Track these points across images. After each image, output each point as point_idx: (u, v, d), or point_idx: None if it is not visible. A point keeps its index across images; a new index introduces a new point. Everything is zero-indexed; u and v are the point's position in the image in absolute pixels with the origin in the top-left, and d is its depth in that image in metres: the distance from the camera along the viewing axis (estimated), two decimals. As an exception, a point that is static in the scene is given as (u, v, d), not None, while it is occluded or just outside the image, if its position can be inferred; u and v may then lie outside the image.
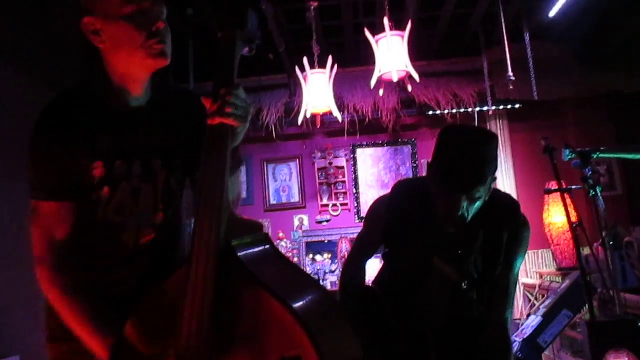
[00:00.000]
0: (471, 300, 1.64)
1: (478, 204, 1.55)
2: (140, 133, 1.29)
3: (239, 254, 1.02)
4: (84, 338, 1.16)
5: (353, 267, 1.90)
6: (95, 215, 1.26)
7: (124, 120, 1.27)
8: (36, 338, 1.31)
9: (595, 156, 2.08)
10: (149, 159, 1.30)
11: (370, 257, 1.92)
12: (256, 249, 1.09)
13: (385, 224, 1.73)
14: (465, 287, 1.62)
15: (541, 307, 3.62)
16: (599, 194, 2.07)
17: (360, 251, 1.90)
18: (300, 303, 0.98)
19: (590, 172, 2.08)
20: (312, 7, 4.02)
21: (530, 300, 4.55)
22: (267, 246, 1.12)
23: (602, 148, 2.13)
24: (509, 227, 1.66)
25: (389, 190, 1.82)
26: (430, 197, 1.62)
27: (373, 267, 1.97)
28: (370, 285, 1.86)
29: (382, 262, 1.88)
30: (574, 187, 2.90)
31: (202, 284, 1.00)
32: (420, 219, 1.65)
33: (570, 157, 2.13)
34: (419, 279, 1.68)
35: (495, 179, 1.61)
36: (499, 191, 1.74)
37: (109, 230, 1.28)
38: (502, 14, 4.02)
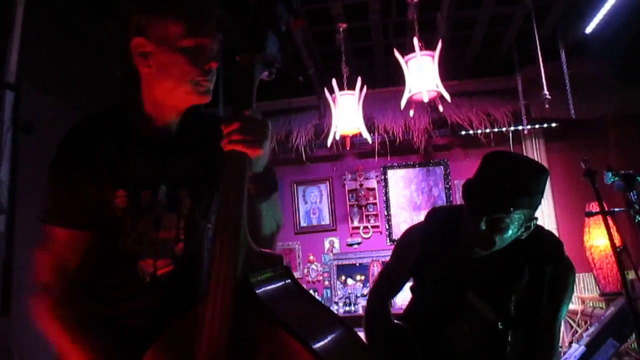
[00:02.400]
0: (506, 342, 1.53)
1: (508, 235, 1.46)
2: (168, 161, 1.25)
3: (257, 291, 0.97)
4: None
5: (378, 300, 1.81)
6: (115, 246, 1.21)
7: (152, 148, 1.23)
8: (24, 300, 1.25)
9: (640, 179, 1.96)
10: (175, 187, 1.25)
11: (397, 292, 1.83)
12: (276, 285, 1.03)
13: (418, 255, 1.65)
14: (501, 327, 1.51)
15: (584, 335, 3.45)
16: (646, 219, 1.94)
17: (386, 284, 1.81)
18: (323, 344, 0.92)
19: (635, 197, 1.96)
20: (341, 29, 4.01)
21: (572, 327, 4.34)
22: (288, 281, 1.06)
23: (648, 170, 2.01)
24: (552, 267, 1.55)
25: (420, 212, 1.76)
26: None
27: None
28: (398, 321, 1.76)
29: (411, 297, 1.79)
30: (616, 209, 2.75)
31: (218, 321, 0.95)
32: (456, 249, 1.56)
33: (612, 180, 2.01)
34: (451, 315, 1.58)
35: (535, 219, 1.52)
36: (542, 228, 1.65)
37: (127, 259, 1.23)
38: (536, 32, 3.92)
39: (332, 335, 0.98)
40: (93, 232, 1.18)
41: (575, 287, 4.62)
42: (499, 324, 1.50)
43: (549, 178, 1.52)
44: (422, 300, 1.71)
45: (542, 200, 4.27)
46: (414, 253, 1.67)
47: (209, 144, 1.21)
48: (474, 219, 1.47)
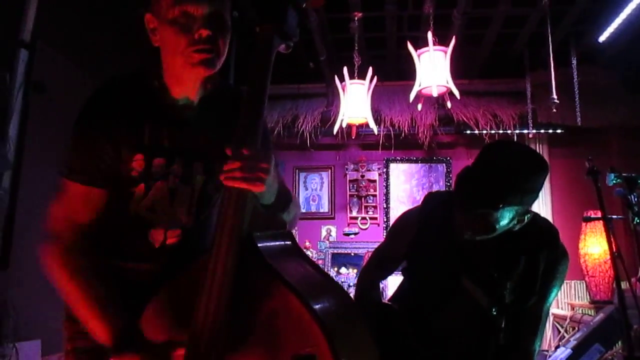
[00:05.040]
0: (499, 328, 1.54)
1: (498, 227, 1.45)
2: (185, 132, 1.26)
3: (259, 245, 1.00)
4: (87, 319, 1.14)
5: (368, 282, 1.80)
6: (127, 209, 1.24)
7: (172, 116, 1.24)
8: (58, 323, 1.30)
9: (642, 182, 1.98)
10: (191, 160, 1.27)
11: (387, 275, 1.82)
12: (278, 244, 1.06)
13: (412, 238, 1.65)
14: (494, 313, 1.52)
15: (572, 339, 3.48)
16: (645, 223, 1.96)
17: (378, 266, 1.81)
18: (319, 301, 0.95)
19: (636, 199, 1.97)
20: (356, 18, 4.02)
21: (559, 332, 4.39)
22: (289, 242, 1.09)
23: (651, 175, 2.03)
24: (547, 254, 1.55)
25: (420, 206, 1.73)
26: None
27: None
28: (388, 302, 1.77)
29: (403, 278, 1.79)
30: (614, 216, 2.77)
31: (221, 271, 0.98)
32: (451, 234, 1.56)
33: (615, 181, 2.02)
34: (444, 300, 1.58)
35: (530, 213, 1.49)
36: (538, 216, 1.63)
37: (139, 225, 1.26)
38: (549, 36, 3.93)
39: (330, 296, 1.01)
40: (107, 190, 1.21)
41: (565, 286, 4.66)
42: (493, 309, 1.51)
43: (547, 176, 1.47)
44: (415, 283, 1.72)
45: (541, 206, 4.22)
46: (408, 236, 1.66)
47: (230, 119, 1.22)
48: (462, 210, 1.48)
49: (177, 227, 1.28)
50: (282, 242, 1.08)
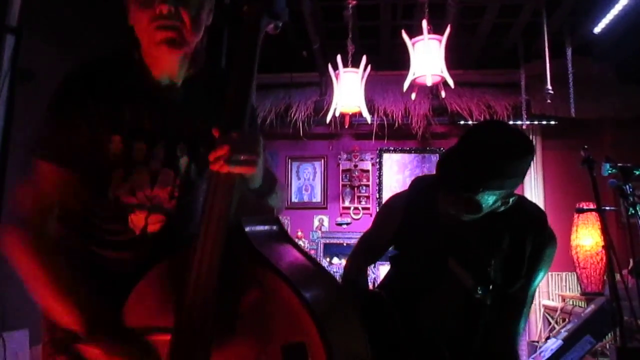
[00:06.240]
0: (484, 309, 1.52)
1: (486, 205, 1.43)
2: (168, 114, 1.22)
3: (247, 230, 0.97)
4: (54, 306, 1.08)
5: (355, 268, 1.79)
6: (106, 193, 1.20)
7: (154, 98, 1.20)
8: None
9: (637, 173, 1.96)
10: (174, 143, 1.23)
11: (374, 261, 1.81)
12: (265, 229, 1.04)
13: (400, 221, 1.64)
14: (479, 294, 1.51)
15: (562, 330, 3.49)
16: (639, 212, 1.94)
17: (365, 251, 1.79)
18: (309, 288, 0.93)
19: (630, 190, 1.96)
20: (350, 5, 3.97)
21: (550, 323, 4.40)
22: (276, 227, 1.07)
23: (646, 164, 2.01)
24: (534, 238, 1.53)
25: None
26: None
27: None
28: (375, 289, 1.76)
29: (390, 266, 1.78)
30: (608, 208, 2.77)
31: (208, 257, 0.95)
32: (438, 217, 1.55)
33: (610, 171, 2.01)
34: (430, 283, 1.57)
35: (514, 196, 1.48)
36: (525, 199, 1.63)
37: (118, 209, 1.21)
38: (545, 26, 3.90)
39: (320, 284, 0.98)
40: (82, 174, 1.15)
41: (557, 277, 4.67)
42: (478, 289, 1.50)
43: (533, 160, 1.45)
44: (403, 268, 1.70)
45: (533, 197, 4.22)
46: (396, 220, 1.65)
47: (214, 100, 1.19)
48: (445, 192, 1.47)
49: (159, 212, 1.25)
50: (270, 227, 1.06)
